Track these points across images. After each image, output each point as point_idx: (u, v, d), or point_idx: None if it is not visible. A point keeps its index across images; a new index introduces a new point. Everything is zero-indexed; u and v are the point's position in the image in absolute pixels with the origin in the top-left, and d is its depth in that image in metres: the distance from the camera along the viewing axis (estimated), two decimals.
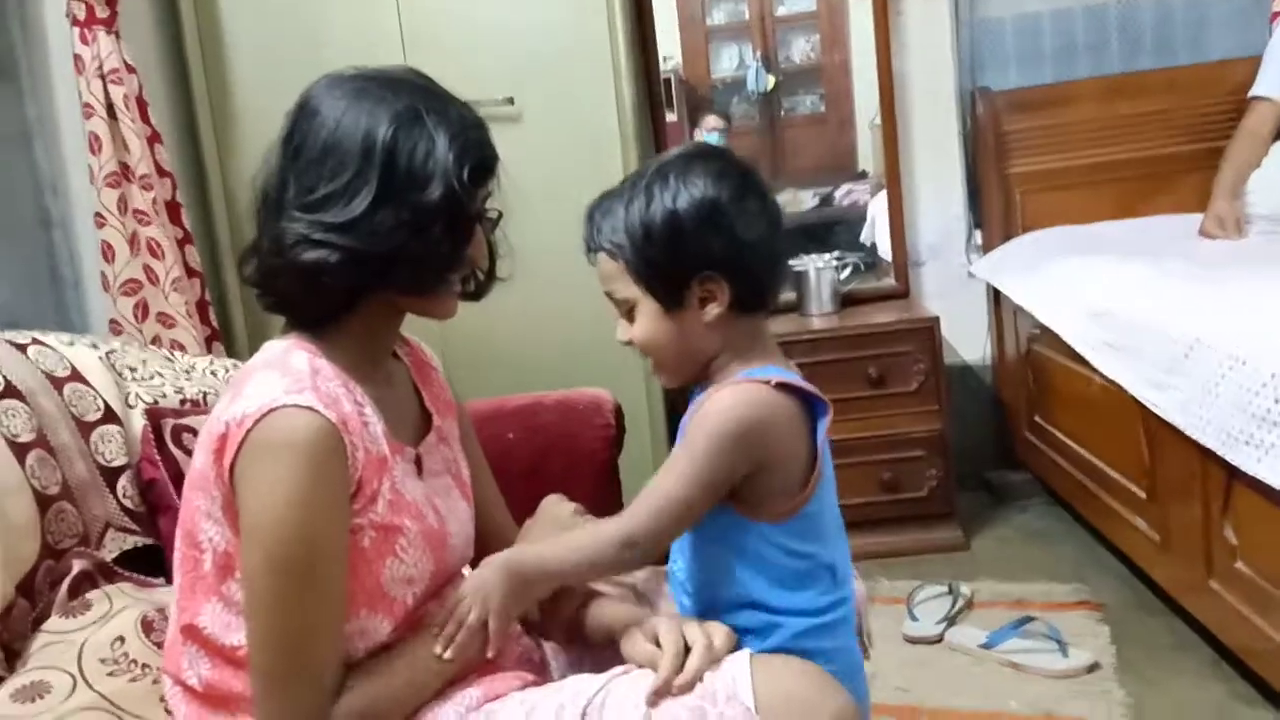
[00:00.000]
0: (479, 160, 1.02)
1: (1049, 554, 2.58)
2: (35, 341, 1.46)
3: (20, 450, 1.29)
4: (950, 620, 2.23)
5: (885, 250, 3.03)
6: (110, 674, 1.13)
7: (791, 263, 2.90)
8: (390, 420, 1.06)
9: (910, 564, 2.59)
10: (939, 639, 2.17)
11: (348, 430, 0.96)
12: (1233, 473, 1.63)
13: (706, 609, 1.04)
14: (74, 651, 1.15)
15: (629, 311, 1.04)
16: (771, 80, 3.24)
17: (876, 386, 2.63)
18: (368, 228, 0.97)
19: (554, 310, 2.39)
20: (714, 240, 1.00)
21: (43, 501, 1.29)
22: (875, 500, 2.65)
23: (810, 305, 2.85)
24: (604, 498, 1.78)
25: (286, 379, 0.96)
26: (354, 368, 1.04)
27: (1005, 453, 2.98)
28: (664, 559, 1.10)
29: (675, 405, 2.64)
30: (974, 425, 2.98)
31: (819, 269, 2.85)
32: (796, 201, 3.28)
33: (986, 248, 2.95)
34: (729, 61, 3.31)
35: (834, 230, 3.22)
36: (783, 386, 0.99)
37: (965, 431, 2.91)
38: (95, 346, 1.55)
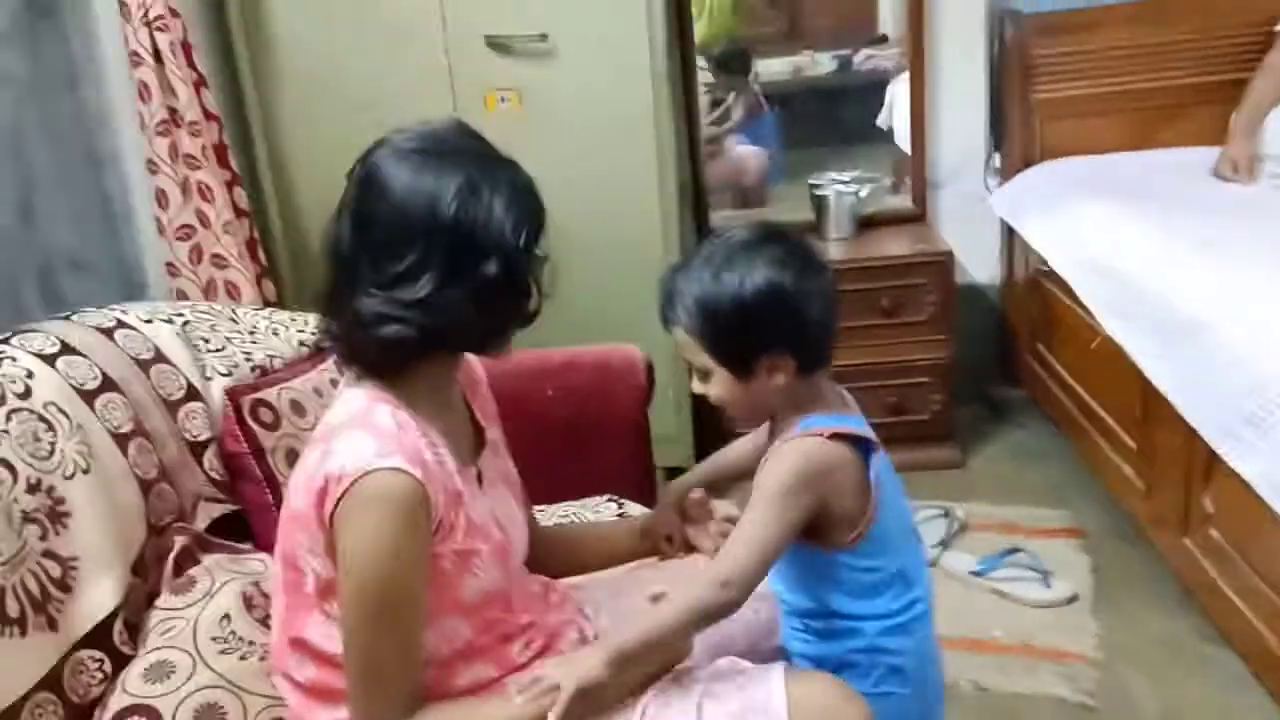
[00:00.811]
0: (533, 227, 1.12)
1: (1039, 475, 2.76)
2: (120, 325, 1.57)
3: (122, 441, 1.43)
4: (945, 544, 2.43)
5: (902, 139, 3.07)
6: (223, 652, 1.30)
7: (812, 183, 2.97)
8: (453, 446, 1.19)
9: (911, 482, 2.75)
10: (933, 564, 2.38)
11: (429, 481, 1.09)
12: (1216, 452, 1.78)
13: (799, 617, 1.26)
14: (189, 630, 1.32)
15: (704, 374, 1.20)
16: None
17: (889, 316, 2.75)
18: (437, 303, 1.08)
19: (585, 249, 2.48)
20: (778, 323, 1.15)
21: (144, 486, 1.44)
22: (879, 421, 2.74)
23: (829, 229, 2.94)
24: (635, 453, 1.93)
25: (377, 441, 1.08)
26: (425, 410, 1.16)
27: (1007, 371, 3.13)
28: None
29: None
30: (980, 341, 3.11)
31: (839, 193, 2.92)
32: (814, 65, 3.30)
33: (1006, 172, 3.00)
34: None
35: (850, 102, 3.25)
36: (836, 436, 1.17)
37: (970, 348, 3.04)
38: (170, 321, 1.66)
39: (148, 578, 1.41)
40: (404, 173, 1.08)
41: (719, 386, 1.19)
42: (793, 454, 1.16)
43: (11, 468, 1.24)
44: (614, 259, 2.53)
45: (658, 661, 1.18)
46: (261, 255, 2.30)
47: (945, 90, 3.01)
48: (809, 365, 1.19)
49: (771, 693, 1.12)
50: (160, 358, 1.58)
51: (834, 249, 2.88)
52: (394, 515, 1.06)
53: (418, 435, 1.13)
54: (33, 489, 1.26)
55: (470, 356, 1.36)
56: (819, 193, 2.94)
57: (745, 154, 3.34)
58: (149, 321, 1.63)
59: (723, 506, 1.46)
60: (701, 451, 2.79)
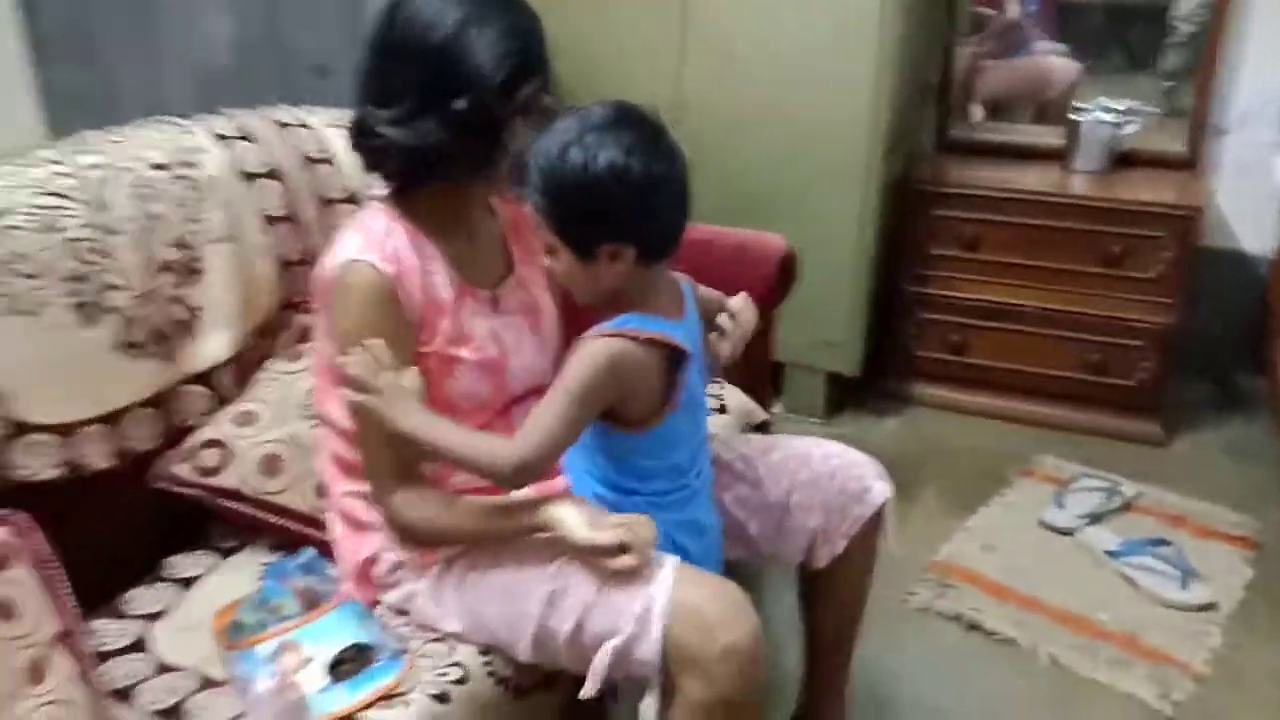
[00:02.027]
0: (512, 70, 1.18)
1: (1241, 476, 2.47)
2: (302, 124, 1.78)
3: (271, 222, 1.64)
4: (1094, 518, 2.26)
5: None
6: (302, 417, 1.51)
7: (1076, 108, 2.71)
8: (467, 270, 1.31)
9: (1090, 447, 2.58)
10: (1072, 533, 2.22)
11: (401, 278, 1.22)
12: None
13: (579, 485, 1.28)
14: (283, 392, 1.54)
15: (551, 250, 1.19)
16: None
17: (1112, 265, 2.51)
18: (414, 127, 1.18)
19: (802, 104, 2.46)
20: (620, 210, 1.13)
21: (284, 264, 1.65)
22: (1074, 376, 2.61)
23: (1076, 159, 2.69)
24: (750, 347, 1.92)
25: (362, 239, 1.23)
26: (431, 227, 1.28)
27: (1252, 355, 2.77)
28: None
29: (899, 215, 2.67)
30: (1229, 316, 2.77)
31: (1097, 121, 2.65)
32: None
33: None
34: None
35: (1131, 23, 2.91)
36: (649, 341, 1.17)
37: (1214, 321, 2.72)
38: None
39: (271, 343, 1.64)
40: (413, 2, 1.18)
41: (562, 264, 1.18)
42: (598, 354, 1.15)
43: (161, 222, 1.48)
44: (811, 150, 2.48)
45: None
46: None
47: (1258, 18, 2.60)
48: (650, 256, 1.17)
49: (657, 592, 1.13)
50: (328, 160, 1.77)
51: (1076, 182, 2.64)
52: (363, 299, 1.20)
53: (406, 244, 1.25)
54: (176, 244, 1.50)
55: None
56: (1074, 117, 2.68)
57: (1050, 64, 3.03)
58: (331, 126, 1.83)
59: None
60: (872, 360, 2.73)
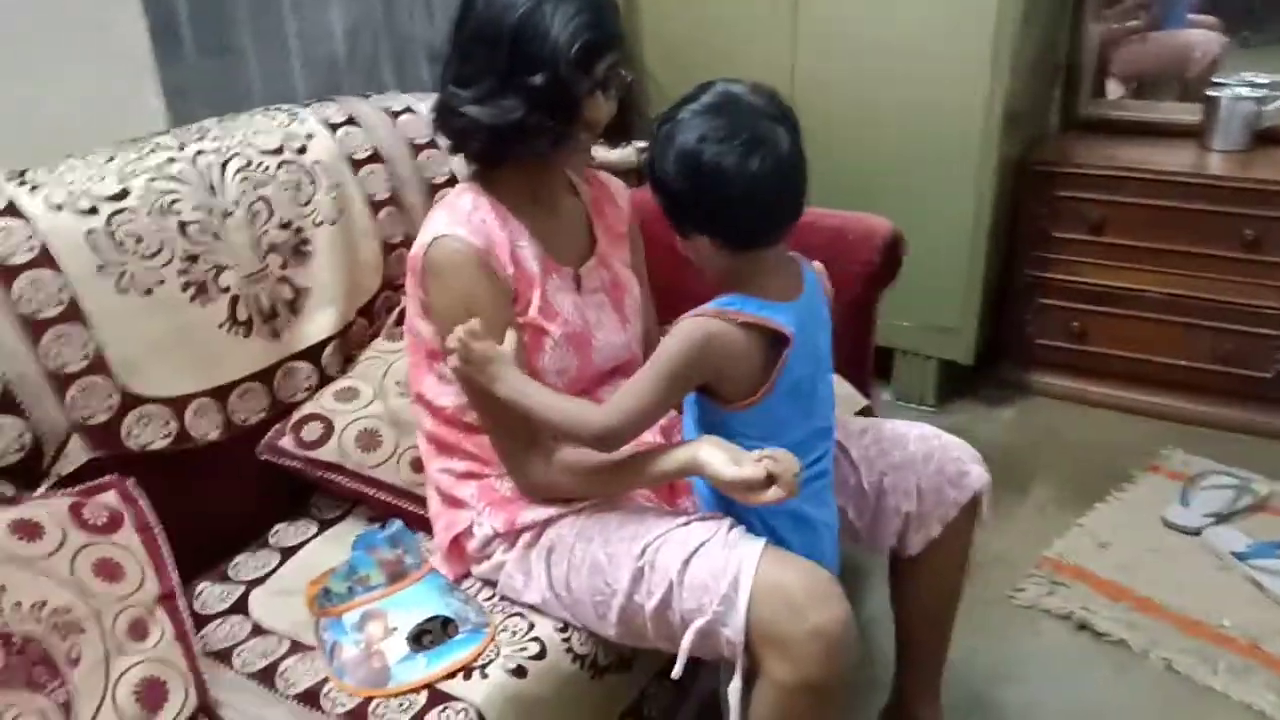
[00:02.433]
0: (587, 43, 1.19)
1: None
2: (408, 110, 1.83)
3: (376, 206, 1.70)
4: (1221, 517, 2.13)
5: None
6: (399, 395, 1.55)
7: (1215, 83, 2.55)
8: (551, 246, 1.33)
9: (1220, 442, 2.43)
10: (1197, 532, 2.11)
11: (494, 253, 1.25)
12: None
13: None
14: (383, 370, 1.59)
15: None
16: None
17: (1249, 250, 2.35)
18: (494, 103, 1.21)
19: (916, 77, 2.39)
20: (690, 198, 1.13)
21: (388, 248, 1.71)
22: (1204, 367, 2.46)
23: (1214, 138, 2.52)
24: (850, 329, 1.88)
25: (449, 216, 1.27)
26: (515, 205, 1.31)
27: None
28: None
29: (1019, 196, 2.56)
30: None
31: (1236, 97, 2.48)
32: None
33: None
34: None
35: None
36: (746, 325, 1.15)
37: None
38: None
39: (374, 323, 1.70)
40: None
41: (676, 239, 1.20)
42: (693, 333, 1.14)
43: (270, 206, 1.55)
44: (924, 132, 2.41)
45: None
46: None
47: None
48: (735, 245, 1.15)
49: (742, 565, 1.13)
50: (433, 144, 1.81)
51: (1213, 161, 2.48)
52: (456, 271, 1.24)
53: (493, 218, 1.28)
54: (284, 226, 1.56)
55: (615, 183, 1.49)
56: (1212, 93, 2.52)
57: (1191, 37, 2.85)
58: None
59: None
60: (987, 348, 2.63)
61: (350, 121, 1.72)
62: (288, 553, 1.48)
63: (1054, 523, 2.18)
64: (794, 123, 1.14)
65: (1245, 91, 2.49)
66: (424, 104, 1.86)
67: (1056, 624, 1.91)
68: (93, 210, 1.36)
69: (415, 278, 1.30)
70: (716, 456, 1.14)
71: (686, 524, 1.21)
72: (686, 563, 1.16)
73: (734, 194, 1.11)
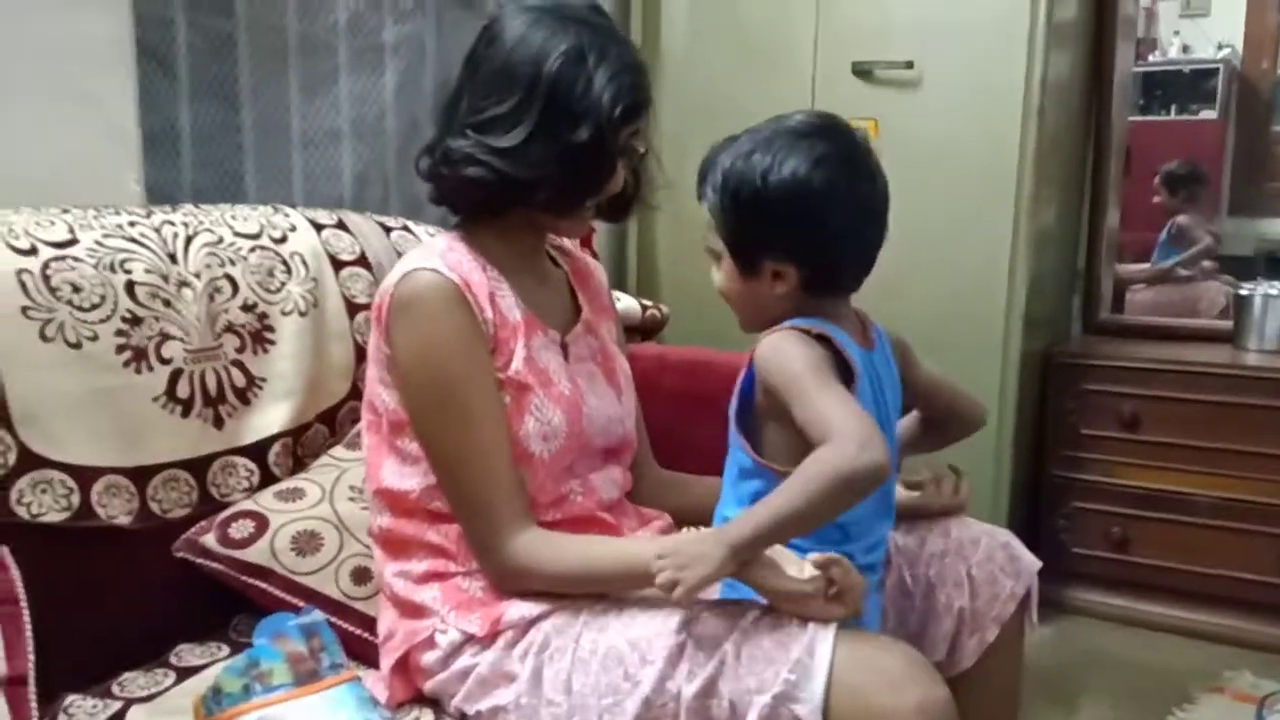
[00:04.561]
0: (630, 104, 1.10)
1: None
2: (405, 229, 1.74)
3: (355, 309, 1.56)
4: None
5: None
6: (350, 499, 1.35)
7: (1242, 287, 2.47)
8: (537, 310, 1.18)
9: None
10: None
11: (471, 290, 1.09)
12: None
13: None
14: (335, 475, 1.39)
15: (716, 259, 1.09)
16: None
17: None
18: (522, 156, 1.08)
19: (935, 277, 2.28)
20: (789, 223, 1.02)
21: (361, 353, 1.55)
22: (1268, 581, 2.21)
23: (1248, 338, 2.42)
24: None
25: (423, 252, 1.14)
26: (499, 264, 1.16)
27: None
28: None
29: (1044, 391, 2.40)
30: None
31: (1267, 297, 2.40)
32: None
33: None
34: None
35: None
36: (820, 338, 1.02)
37: None
38: None
39: (335, 432, 1.51)
40: (520, 25, 1.11)
41: (724, 276, 1.09)
42: (785, 342, 1.01)
43: (235, 285, 1.41)
44: (950, 303, 2.29)
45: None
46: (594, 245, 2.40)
47: None
48: (817, 282, 1.05)
49: (815, 645, 0.91)
50: None
51: (1252, 359, 2.35)
52: (428, 308, 1.08)
53: (470, 259, 1.14)
54: (248, 308, 1.42)
55: (592, 262, 1.38)
56: (1242, 293, 2.44)
57: (1200, 290, 2.78)
58: (433, 235, 1.78)
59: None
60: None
61: (340, 225, 1.62)
62: (186, 673, 1.21)
63: None
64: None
65: (1272, 292, 2.41)
66: (423, 230, 1.77)
67: None
68: (31, 250, 1.22)
69: (380, 327, 1.14)
70: (765, 556, 0.96)
71: (734, 594, 1.00)
72: (744, 632, 0.94)
73: (840, 223, 1.03)
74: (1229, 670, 2.11)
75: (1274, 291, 2.41)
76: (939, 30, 2.22)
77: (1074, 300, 2.71)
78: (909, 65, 2.24)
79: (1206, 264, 2.82)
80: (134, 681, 1.19)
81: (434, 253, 1.13)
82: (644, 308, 2.08)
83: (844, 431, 0.91)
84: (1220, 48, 2.86)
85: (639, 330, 2.07)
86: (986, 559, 1.15)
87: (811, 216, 1.02)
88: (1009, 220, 2.20)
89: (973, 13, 2.18)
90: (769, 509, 0.94)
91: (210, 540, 1.27)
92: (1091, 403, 2.36)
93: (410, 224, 1.76)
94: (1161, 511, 2.30)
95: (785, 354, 1.00)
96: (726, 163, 1.05)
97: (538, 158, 1.09)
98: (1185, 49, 2.92)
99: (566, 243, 1.36)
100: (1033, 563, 1.18)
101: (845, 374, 1.02)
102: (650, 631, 0.99)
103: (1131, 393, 2.32)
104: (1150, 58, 2.92)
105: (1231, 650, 2.22)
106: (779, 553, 0.97)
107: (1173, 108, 2.95)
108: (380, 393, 1.15)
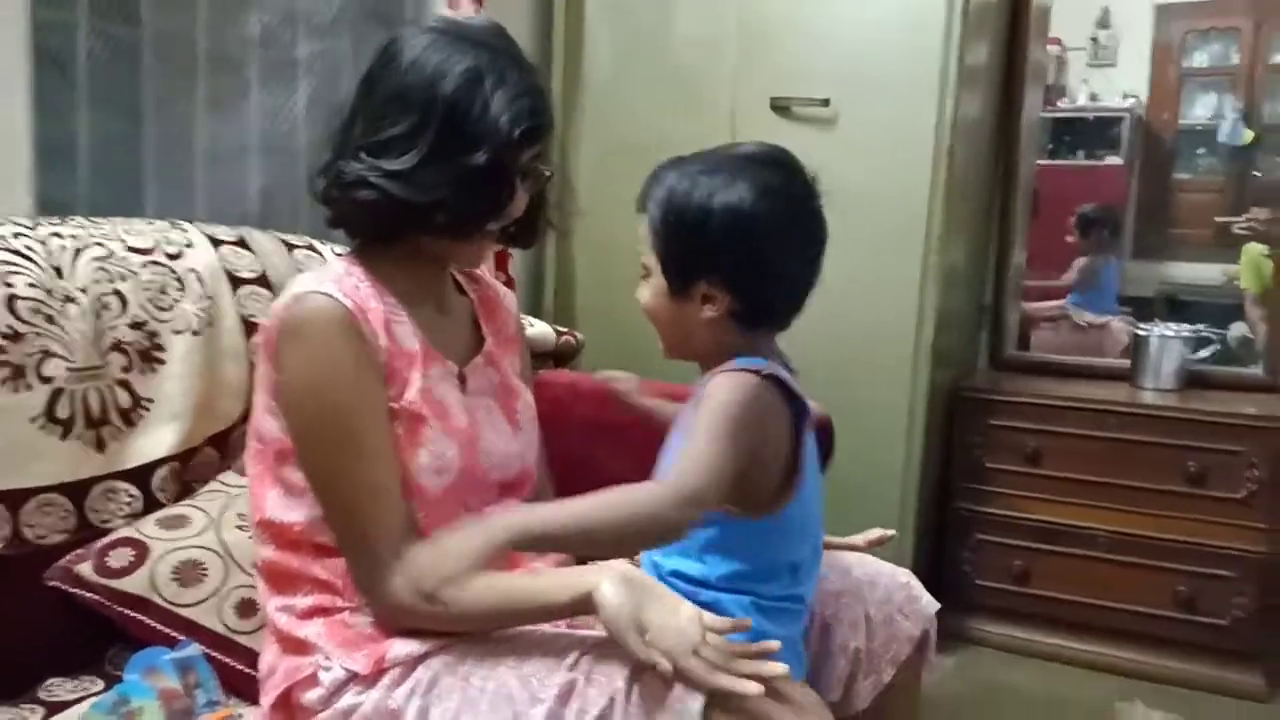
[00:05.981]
0: (529, 128, 1.08)
1: None
2: (310, 249, 1.69)
3: (251, 328, 1.51)
4: None
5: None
6: (238, 528, 1.30)
7: (1140, 328, 2.55)
8: (435, 340, 1.15)
9: (1188, 700, 2.19)
10: None
11: (365, 317, 1.07)
12: None
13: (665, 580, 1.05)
14: (223, 502, 1.34)
15: (645, 275, 1.09)
16: (1249, 135, 2.85)
17: (1194, 484, 2.24)
18: (417, 179, 1.06)
19: (845, 312, 2.28)
20: (727, 249, 1.01)
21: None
22: (1163, 615, 2.27)
23: (1144, 377, 2.49)
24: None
25: (316, 275, 1.11)
26: (398, 291, 1.13)
27: None
28: None
29: (950, 425, 2.44)
30: None
31: (1164, 338, 2.48)
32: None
33: None
34: (1203, 109, 2.97)
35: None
36: (770, 378, 1.01)
37: None
38: None
39: (226, 458, 1.46)
40: (418, 46, 1.09)
41: (652, 292, 1.08)
42: (734, 386, 1.00)
43: (124, 301, 1.36)
44: (864, 337, 2.30)
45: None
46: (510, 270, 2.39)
47: None
48: (747, 315, 1.05)
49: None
50: None
51: (1148, 397, 2.42)
52: (319, 333, 1.05)
53: (367, 286, 1.11)
54: (136, 326, 1.36)
55: (501, 288, 1.36)
56: (1140, 333, 2.52)
57: (1107, 327, 2.86)
58: (339, 255, 1.74)
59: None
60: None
61: (241, 243, 1.57)
62: (54, 708, 1.15)
63: None
64: None
65: (1167, 333, 2.49)
66: (330, 250, 1.73)
67: None
68: None
69: (267, 352, 1.10)
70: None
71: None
72: (637, 669, 0.92)
73: (776, 256, 1.02)
74: (1121, 700, 2.17)
75: (1169, 333, 2.49)
76: (855, 69, 2.25)
77: (981, 336, 2.77)
78: (825, 103, 2.27)
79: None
80: None
81: (328, 276, 1.10)
82: (558, 334, 2.06)
83: (681, 484, 0.94)
84: (1126, 97, 2.98)
85: (552, 356, 2.05)
86: (885, 600, 1.16)
87: (750, 245, 1.01)
88: (918, 257, 2.24)
89: (888, 52, 2.22)
90: (567, 513, 0.96)
91: (86, 569, 1.22)
92: (996, 437, 2.40)
93: (316, 243, 1.72)
94: (1062, 545, 2.35)
95: (729, 390, 1.00)
96: (673, 179, 1.05)
97: (432, 181, 1.06)
98: (1093, 97, 3.03)
99: (479, 269, 1.34)
100: (930, 604, 1.19)
101: (797, 409, 1.04)
102: (542, 669, 0.97)
103: (1034, 428, 2.37)
104: (1060, 104, 3.02)
105: (1127, 681, 2.27)
106: (656, 587, 0.95)
107: (1080, 153, 3.05)
108: (267, 420, 1.11)
